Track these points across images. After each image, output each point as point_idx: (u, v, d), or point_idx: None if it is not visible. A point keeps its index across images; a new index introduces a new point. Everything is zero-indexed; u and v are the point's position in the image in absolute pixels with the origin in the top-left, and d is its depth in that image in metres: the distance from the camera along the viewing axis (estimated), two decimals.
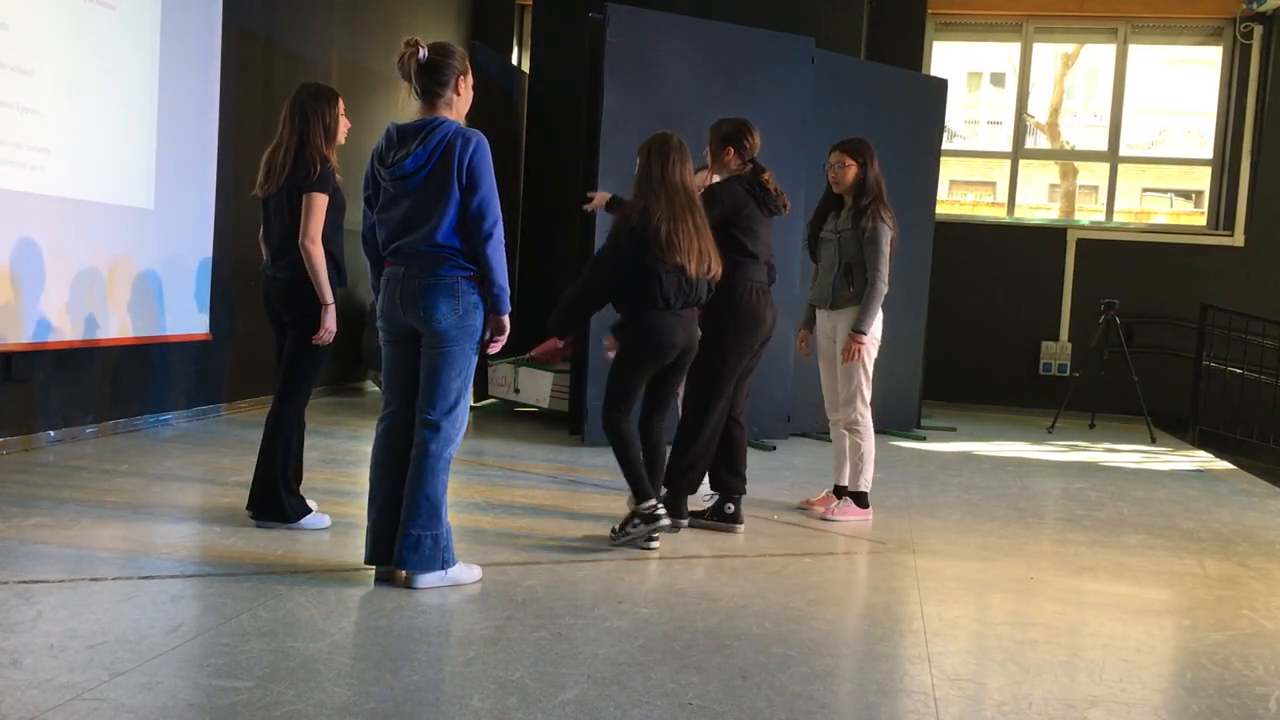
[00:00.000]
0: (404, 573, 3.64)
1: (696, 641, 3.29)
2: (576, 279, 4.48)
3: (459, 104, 3.70)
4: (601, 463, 6.18)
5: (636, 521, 4.30)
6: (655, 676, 2.95)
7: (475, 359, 3.68)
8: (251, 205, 7.38)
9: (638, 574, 4.03)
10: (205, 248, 6.87)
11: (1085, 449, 8.39)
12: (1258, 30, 10.21)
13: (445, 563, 3.64)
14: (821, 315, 5.30)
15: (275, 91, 7.75)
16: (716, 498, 4.87)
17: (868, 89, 7.94)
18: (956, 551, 4.68)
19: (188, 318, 6.75)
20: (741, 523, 4.80)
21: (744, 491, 4.85)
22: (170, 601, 3.37)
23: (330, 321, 4.28)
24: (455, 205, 3.56)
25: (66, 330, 5.73)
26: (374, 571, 3.73)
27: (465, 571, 3.72)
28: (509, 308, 3.68)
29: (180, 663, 2.86)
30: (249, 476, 4.42)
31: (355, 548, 4.12)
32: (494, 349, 3.75)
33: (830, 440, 5.46)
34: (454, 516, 4.69)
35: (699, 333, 4.46)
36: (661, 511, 4.31)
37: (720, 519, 4.80)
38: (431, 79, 3.61)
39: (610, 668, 3.00)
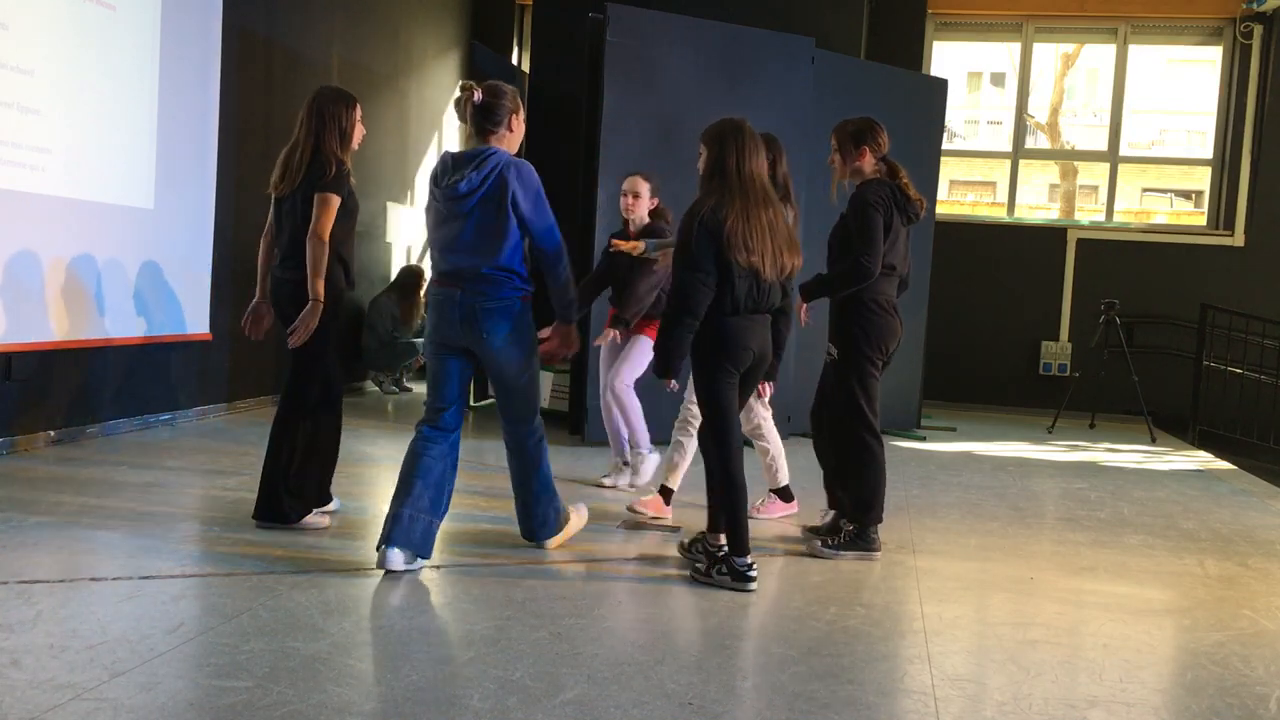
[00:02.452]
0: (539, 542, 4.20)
1: (696, 641, 3.29)
2: (663, 322, 3.98)
3: (511, 139, 3.96)
4: (601, 462, 6.18)
5: (724, 570, 3.89)
6: (655, 676, 2.95)
7: (536, 361, 4.04)
8: (251, 205, 7.43)
9: (638, 575, 4.03)
10: (205, 248, 6.87)
11: (1085, 449, 8.39)
12: (1258, 30, 10.21)
13: (557, 515, 4.21)
14: None
15: (275, 91, 7.76)
16: (833, 515, 4.66)
17: (868, 89, 7.94)
18: (956, 551, 4.68)
19: (188, 318, 6.75)
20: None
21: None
22: (170, 601, 3.37)
23: (312, 320, 4.21)
24: (511, 230, 3.82)
25: (66, 330, 5.73)
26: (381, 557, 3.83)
27: (579, 515, 4.37)
28: (575, 317, 4.07)
29: (180, 663, 2.86)
30: (250, 476, 4.43)
31: (355, 547, 4.12)
32: (562, 353, 4.10)
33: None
34: (454, 517, 4.71)
35: (770, 339, 4.04)
36: (754, 574, 3.86)
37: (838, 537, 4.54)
38: (486, 118, 3.89)
39: (610, 668, 3.00)
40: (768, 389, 4.66)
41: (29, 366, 5.61)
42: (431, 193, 3.94)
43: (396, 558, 3.78)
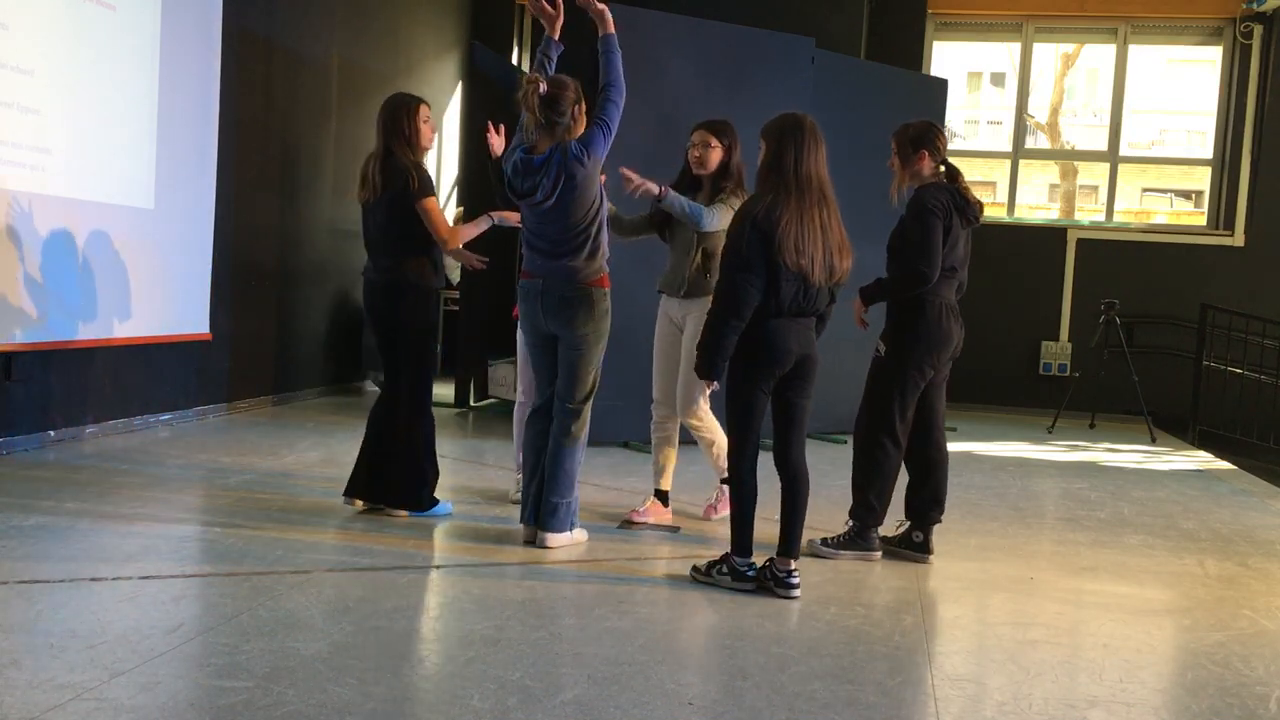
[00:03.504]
0: (540, 533, 4.27)
1: (696, 641, 3.29)
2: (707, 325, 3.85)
3: (575, 129, 4.14)
4: (601, 462, 6.18)
5: (724, 569, 3.89)
6: (655, 676, 2.95)
7: (604, 351, 4.29)
8: (251, 205, 7.44)
9: (638, 574, 4.03)
10: (205, 248, 6.87)
11: (1085, 449, 8.39)
12: (1258, 30, 10.21)
13: (572, 525, 4.31)
14: (670, 302, 4.85)
15: (275, 91, 7.76)
16: (909, 525, 4.52)
17: (868, 89, 7.94)
18: (956, 551, 4.67)
19: (188, 318, 6.75)
20: (931, 552, 4.47)
21: (938, 520, 4.52)
22: (170, 601, 3.37)
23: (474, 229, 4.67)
24: (587, 219, 4.13)
25: (67, 330, 5.73)
26: (522, 531, 4.34)
27: (581, 533, 4.38)
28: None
29: (180, 663, 2.86)
30: (250, 476, 4.43)
31: (356, 547, 4.12)
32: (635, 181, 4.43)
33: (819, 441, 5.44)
34: (454, 517, 4.71)
35: (815, 341, 3.94)
36: (753, 575, 3.87)
37: (910, 547, 4.49)
38: (552, 109, 4.08)
39: (610, 668, 3.00)
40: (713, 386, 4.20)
41: (29, 366, 5.61)
42: (509, 194, 4.22)
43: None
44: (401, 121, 4.47)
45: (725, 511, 4.95)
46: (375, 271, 4.60)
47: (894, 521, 4.56)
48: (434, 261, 4.61)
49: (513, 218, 4.53)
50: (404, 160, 4.44)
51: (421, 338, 4.64)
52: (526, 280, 4.26)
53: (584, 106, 4.17)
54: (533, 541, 4.29)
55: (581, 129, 4.16)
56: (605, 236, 4.26)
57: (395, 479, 4.61)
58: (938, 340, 4.34)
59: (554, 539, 4.24)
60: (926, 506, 4.49)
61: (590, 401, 4.32)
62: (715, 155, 4.71)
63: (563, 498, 4.25)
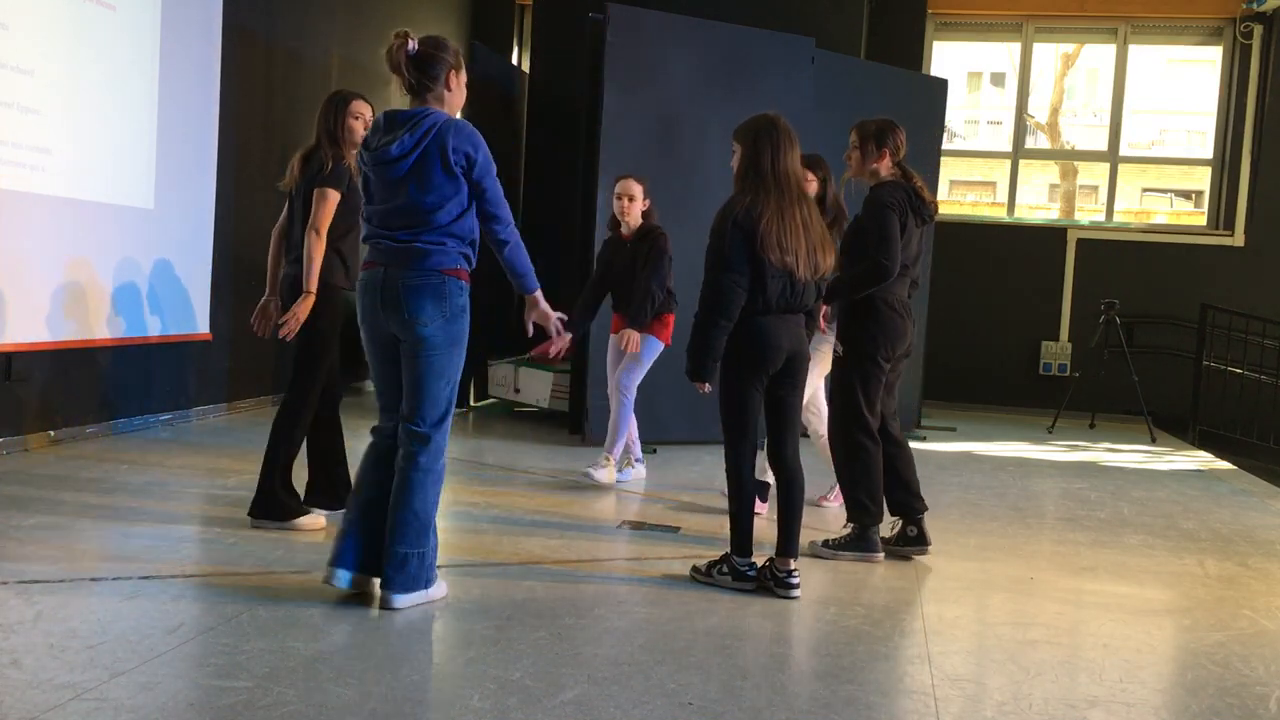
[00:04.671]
0: (381, 591, 3.42)
1: (696, 641, 3.29)
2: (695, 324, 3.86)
3: (450, 99, 3.50)
4: None
5: (724, 569, 3.90)
6: (655, 676, 2.95)
7: (462, 364, 3.50)
8: (251, 205, 7.43)
9: (638, 574, 4.03)
10: (205, 248, 6.87)
11: (1085, 449, 8.39)
12: (1258, 30, 10.21)
13: (428, 582, 3.45)
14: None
15: (275, 92, 7.76)
16: (900, 522, 4.55)
17: (868, 89, 7.93)
18: (956, 551, 4.67)
19: (188, 318, 6.75)
20: (930, 542, 4.50)
21: (923, 509, 4.54)
22: (170, 601, 3.37)
23: (302, 311, 4.24)
24: (445, 199, 3.36)
25: (66, 330, 5.73)
26: (327, 575, 3.46)
27: (438, 588, 3.51)
28: (536, 286, 3.58)
29: (180, 663, 2.86)
30: (250, 477, 4.43)
31: None
32: (552, 350, 3.83)
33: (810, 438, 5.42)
34: (454, 517, 4.71)
35: (806, 338, 3.95)
36: (753, 575, 3.87)
37: (907, 543, 4.50)
38: (422, 72, 3.43)
39: (610, 668, 3.00)
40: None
41: (29, 366, 5.61)
42: (360, 159, 3.51)
43: None
44: (330, 116, 4.39)
45: (838, 502, 5.08)
46: (288, 264, 4.42)
47: (885, 523, 4.56)
48: (343, 260, 4.37)
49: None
50: (325, 152, 4.35)
51: (310, 339, 4.34)
52: (366, 271, 3.50)
53: (463, 77, 3.52)
54: (359, 596, 3.46)
55: (460, 102, 3.54)
56: (473, 227, 3.46)
57: (321, 483, 4.52)
58: (892, 334, 4.40)
59: (402, 600, 3.38)
60: (905, 499, 4.52)
61: (445, 425, 3.47)
62: (813, 188, 4.95)
63: (414, 548, 3.40)
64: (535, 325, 3.72)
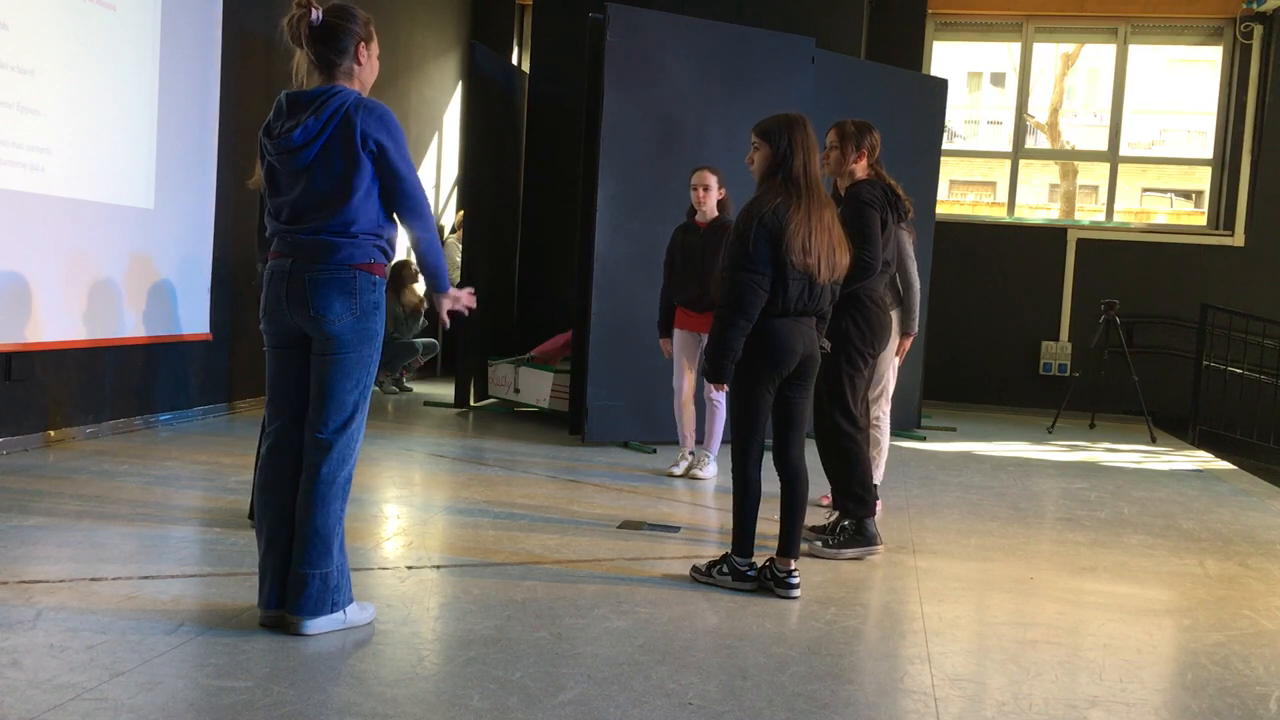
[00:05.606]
0: (291, 617, 3.12)
1: (696, 641, 3.29)
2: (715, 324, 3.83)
3: (362, 74, 3.18)
4: (602, 461, 6.18)
5: (724, 569, 3.90)
6: (655, 676, 2.95)
7: (375, 368, 3.22)
8: (251, 205, 7.40)
9: (638, 574, 4.03)
10: (205, 248, 6.87)
11: (1085, 449, 8.39)
12: (1258, 30, 10.21)
13: (336, 604, 3.15)
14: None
15: (275, 92, 7.74)
16: (836, 516, 4.62)
17: (868, 89, 7.94)
18: (956, 551, 4.68)
19: (188, 317, 6.76)
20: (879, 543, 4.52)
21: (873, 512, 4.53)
22: (170, 601, 3.37)
23: None
24: (355, 188, 3.06)
25: (67, 330, 5.73)
26: (259, 616, 3.18)
27: (360, 612, 3.24)
28: (448, 285, 3.28)
29: (180, 663, 2.86)
30: (250, 477, 4.42)
31: (355, 547, 4.12)
32: (456, 305, 3.30)
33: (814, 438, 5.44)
34: (454, 516, 4.70)
35: (817, 341, 3.95)
36: (753, 575, 3.87)
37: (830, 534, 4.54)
38: (327, 45, 3.10)
39: (610, 668, 3.00)
40: None
41: (29, 366, 5.61)
42: (262, 145, 3.18)
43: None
44: None
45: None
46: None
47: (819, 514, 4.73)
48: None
49: None
50: None
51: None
52: (274, 260, 3.18)
53: (375, 50, 3.20)
54: (280, 627, 3.14)
55: (373, 76, 3.23)
56: (387, 218, 3.18)
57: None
58: (877, 329, 4.48)
59: (313, 626, 3.10)
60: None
61: (351, 433, 3.16)
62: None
63: (315, 568, 3.11)
64: (450, 313, 3.34)
